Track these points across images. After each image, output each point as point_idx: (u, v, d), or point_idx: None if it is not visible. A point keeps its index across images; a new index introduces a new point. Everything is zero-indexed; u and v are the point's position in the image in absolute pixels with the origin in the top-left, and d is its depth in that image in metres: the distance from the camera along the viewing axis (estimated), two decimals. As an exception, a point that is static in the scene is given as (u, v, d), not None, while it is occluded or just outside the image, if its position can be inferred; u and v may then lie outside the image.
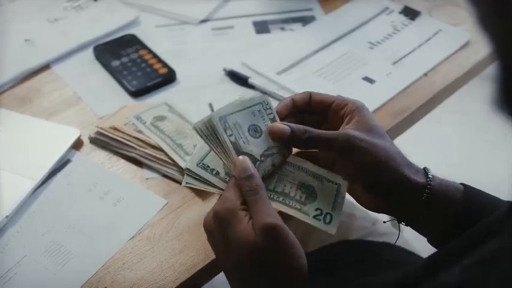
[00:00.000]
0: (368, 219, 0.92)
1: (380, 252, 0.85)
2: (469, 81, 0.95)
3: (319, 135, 0.56)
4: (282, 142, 0.58)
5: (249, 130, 0.58)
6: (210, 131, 0.56)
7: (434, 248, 0.62)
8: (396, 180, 0.57)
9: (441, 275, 0.47)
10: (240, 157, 0.55)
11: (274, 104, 0.60)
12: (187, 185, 0.59)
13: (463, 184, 0.59)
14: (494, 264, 0.42)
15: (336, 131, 0.58)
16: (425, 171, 0.59)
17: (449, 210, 0.57)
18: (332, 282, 0.78)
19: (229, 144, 0.55)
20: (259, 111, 0.59)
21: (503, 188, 0.61)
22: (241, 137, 0.57)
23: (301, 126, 0.57)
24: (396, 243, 0.88)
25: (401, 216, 0.60)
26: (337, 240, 0.87)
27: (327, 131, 0.57)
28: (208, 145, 0.57)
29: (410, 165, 0.58)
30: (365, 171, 0.57)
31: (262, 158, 0.57)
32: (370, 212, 0.97)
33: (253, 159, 0.56)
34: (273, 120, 0.59)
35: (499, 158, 1.90)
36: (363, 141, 0.56)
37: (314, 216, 0.57)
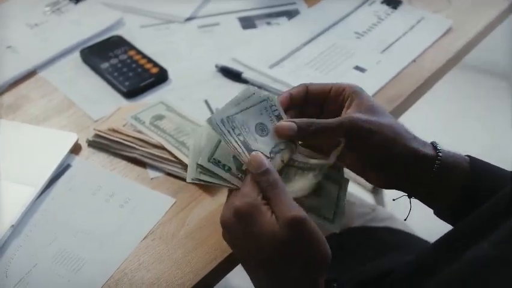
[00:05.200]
0: (366, 206, 0.94)
1: (382, 236, 0.87)
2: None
3: (325, 125, 0.56)
4: (289, 139, 0.58)
5: (256, 129, 0.58)
6: (222, 129, 0.55)
7: (429, 227, 0.63)
8: (406, 155, 0.57)
9: (468, 252, 0.48)
10: (254, 153, 0.55)
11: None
12: (194, 181, 0.57)
13: (467, 155, 0.61)
14: None
15: (340, 117, 0.58)
16: (433, 144, 0.60)
17: (458, 180, 0.58)
18: (339, 271, 0.79)
19: (239, 144, 0.56)
20: (265, 108, 0.59)
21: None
22: (250, 136, 0.57)
23: (305, 120, 0.57)
24: (396, 227, 0.90)
25: (412, 190, 0.61)
26: (340, 229, 0.88)
27: (331, 119, 0.57)
28: (224, 141, 0.56)
29: (416, 138, 0.59)
30: (374, 151, 0.57)
31: (271, 155, 0.57)
32: (367, 198, 0.99)
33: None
34: (278, 117, 0.59)
35: (479, 142, 1.95)
36: (368, 122, 0.56)
37: (318, 214, 0.57)
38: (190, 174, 0.58)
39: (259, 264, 0.54)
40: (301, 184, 0.58)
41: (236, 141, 0.55)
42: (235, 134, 0.55)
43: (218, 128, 0.55)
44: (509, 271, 0.40)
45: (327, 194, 0.58)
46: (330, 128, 0.57)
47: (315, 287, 0.52)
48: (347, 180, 0.61)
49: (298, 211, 0.51)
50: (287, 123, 0.57)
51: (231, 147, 0.56)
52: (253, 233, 0.52)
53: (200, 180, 0.57)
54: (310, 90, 0.61)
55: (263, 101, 0.59)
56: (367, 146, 0.57)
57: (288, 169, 0.59)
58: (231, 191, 0.57)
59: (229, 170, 0.58)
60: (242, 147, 0.55)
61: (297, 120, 0.57)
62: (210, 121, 0.56)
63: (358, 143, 0.57)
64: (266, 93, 0.60)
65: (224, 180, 0.57)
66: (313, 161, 0.59)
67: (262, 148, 0.56)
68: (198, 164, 0.57)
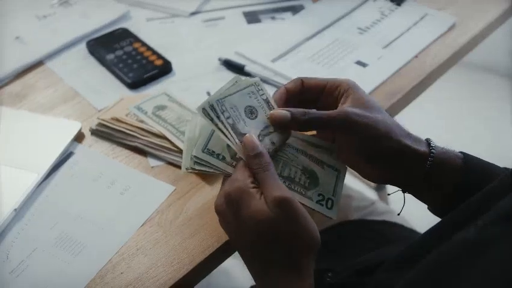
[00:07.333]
0: (365, 199, 0.94)
1: (380, 230, 0.88)
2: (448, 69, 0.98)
3: (319, 116, 0.57)
4: (283, 127, 0.59)
5: (245, 111, 0.59)
6: (211, 115, 0.57)
7: (429, 223, 0.63)
8: (398, 150, 0.58)
9: (455, 236, 0.49)
10: (248, 135, 0.56)
11: (270, 90, 0.62)
12: (188, 170, 0.59)
13: (461, 152, 0.61)
14: None
15: (335, 110, 0.58)
16: (427, 141, 0.60)
17: (451, 177, 0.59)
18: (335, 261, 0.79)
19: (228, 127, 0.57)
20: (252, 92, 0.60)
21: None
22: (239, 119, 0.58)
23: (300, 109, 0.58)
24: (395, 221, 0.91)
25: (405, 185, 0.61)
26: (338, 222, 0.89)
27: (325, 111, 0.58)
28: (214, 128, 0.57)
29: (410, 135, 0.60)
30: (366, 145, 0.58)
31: (260, 138, 0.58)
32: (366, 192, 0.99)
33: None
34: (266, 101, 0.60)
35: (482, 141, 1.95)
36: (361, 116, 0.57)
37: (317, 201, 0.59)
38: (185, 164, 0.60)
39: (248, 246, 0.55)
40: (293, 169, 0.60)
41: (224, 125, 0.56)
42: (224, 117, 0.56)
43: (206, 113, 0.56)
44: (484, 250, 0.41)
45: (325, 180, 0.60)
46: (323, 119, 0.57)
47: (300, 267, 0.53)
48: (345, 167, 0.62)
49: (286, 192, 0.53)
50: (282, 111, 0.58)
51: (219, 133, 0.57)
52: (243, 216, 0.53)
53: (194, 169, 0.59)
54: (305, 84, 0.62)
55: (250, 86, 0.60)
56: (359, 140, 0.58)
57: (285, 159, 0.60)
58: (225, 179, 0.58)
59: (223, 159, 0.59)
60: (230, 130, 0.56)
61: (291, 108, 0.58)
62: (199, 108, 0.57)
63: (351, 136, 0.58)
64: (253, 78, 0.61)
65: (218, 168, 0.59)
66: (310, 151, 0.61)
67: (251, 131, 0.57)
68: (192, 155, 0.59)
